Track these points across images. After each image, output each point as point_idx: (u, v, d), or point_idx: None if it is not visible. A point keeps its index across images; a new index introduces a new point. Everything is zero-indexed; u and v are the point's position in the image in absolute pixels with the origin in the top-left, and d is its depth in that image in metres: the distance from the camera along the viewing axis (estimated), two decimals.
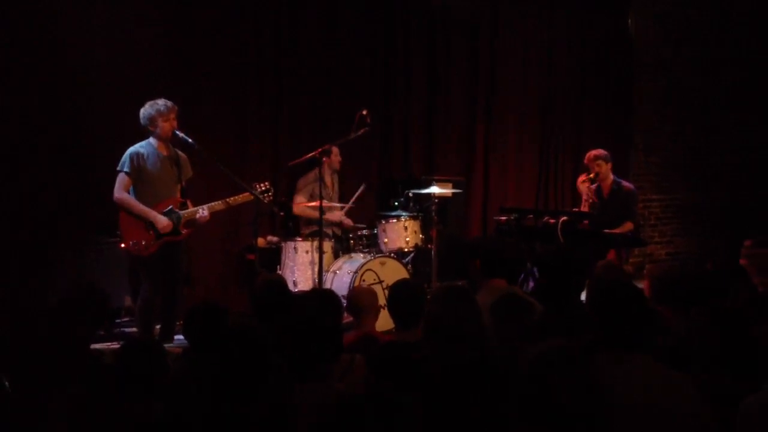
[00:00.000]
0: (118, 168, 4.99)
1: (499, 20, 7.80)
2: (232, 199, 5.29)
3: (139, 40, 5.90)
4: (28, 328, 3.98)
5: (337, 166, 6.44)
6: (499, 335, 3.09)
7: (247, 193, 5.32)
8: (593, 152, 6.46)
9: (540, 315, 3.20)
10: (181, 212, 5.08)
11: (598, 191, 6.40)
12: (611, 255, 5.91)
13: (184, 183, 5.17)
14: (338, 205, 6.44)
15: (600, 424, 2.07)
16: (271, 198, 5.54)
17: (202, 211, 5.13)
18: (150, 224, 4.99)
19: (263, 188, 5.46)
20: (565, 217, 5.91)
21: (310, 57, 6.84)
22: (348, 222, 6.49)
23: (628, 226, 6.21)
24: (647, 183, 8.48)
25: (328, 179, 6.31)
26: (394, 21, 7.29)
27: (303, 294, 4.76)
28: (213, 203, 5.22)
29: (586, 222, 6.05)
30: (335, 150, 6.30)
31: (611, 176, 6.43)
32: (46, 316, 3.75)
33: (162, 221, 5.00)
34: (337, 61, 6.99)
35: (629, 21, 8.37)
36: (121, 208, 4.99)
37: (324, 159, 5.91)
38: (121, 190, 4.97)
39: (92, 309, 3.26)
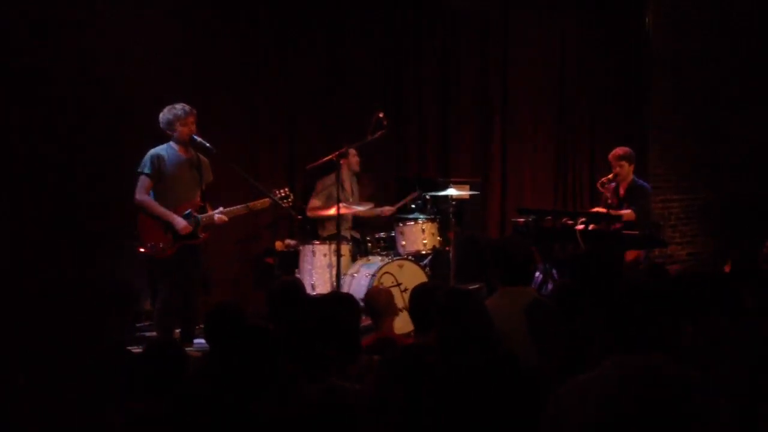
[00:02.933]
0: (139, 170, 5.03)
1: (510, 19, 7.77)
2: (252, 204, 5.32)
3: (155, 47, 5.92)
4: (46, 327, 4.05)
5: (356, 167, 6.45)
6: (535, 340, 3.10)
7: (266, 198, 5.35)
8: (618, 151, 6.28)
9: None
10: (200, 216, 5.12)
11: (616, 190, 6.32)
12: (632, 256, 5.86)
13: (204, 187, 5.20)
14: (360, 208, 6.41)
15: None
16: (291, 204, 5.58)
17: (221, 215, 5.17)
18: (168, 227, 5.03)
19: (283, 194, 5.49)
20: (584, 218, 5.87)
21: (321, 60, 6.86)
22: (388, 210, 6.48)
23: (629, 215, 6.04)
24: (666, 183, 8.40)
25: (347, 182, 6.32)
26: (405, 20, 7.29)
27: (322, 297, 4.78)
28: (232, 207, 5.25)
29: (617, 225, 5.92)
30: (353, 151, 6.30)
31: (631, 176, 6.29)
32: (66, 312, 3.81)
33: (181, 223, 5.03)
34: (348, 64, 6.99)
35: (646, 18, 8.30)
36: (141, 209, 5.03)
37: (342, 161, 5.92)
38: (142, 192, 5.01)
39: (119, 303, 3.30)
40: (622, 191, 6.31)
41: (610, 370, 2.32)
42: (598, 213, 6.20)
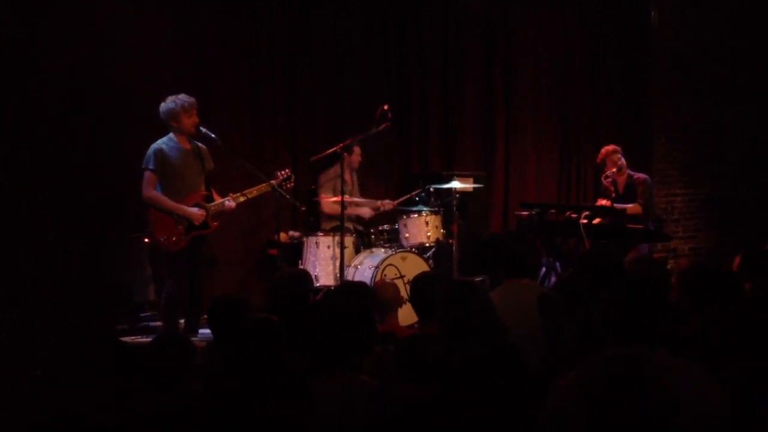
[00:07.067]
0: (143, 166, 5.01)
1: (513, 13, 7.76)
2: (248, 191, 5.31)
3: (154, 34, 5.93)
4: (56, 322, 4.07)
5: (356, 165, 6.46)
6: (545, 333, 3.11)
7: (263, 184, 5.33)
8: (610, 147, 6.47)
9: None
10: (208, 205, 5.11)
11: (614, 186, 6.40)
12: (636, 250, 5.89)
13: (206, 175, 5.19)
14: (361, 200, 6.45)
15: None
16: (293, 184, 5.55)
17: (229, 202, 5.17)
18: (179, 219, 5.01)
19: (284, 175, 5.47)
20: (587, 212, 5.88)
21: (324, 54, 6.85)
22: (387, 205, 6.48)
23: (636, 209, 6.18)
24: (670, 178, 8.41)
25: (347, 176, 6.30)
26: (408, 14, 7.28)
27: (336, 287, 4.77)
28: (236, 194, 5.25)
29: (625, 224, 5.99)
30: (357, 149, 6.33)
31: (626, 170, 6.44)
32: (71, 309, 3.82)
33: (194, 212, 5.03)
34: (351, 59, 6.99)
35: (652, 13, 8.29)
36: (151, 205, 5.01)
37: (345, 155, 5.92)
38: (149, 187, 4.99)
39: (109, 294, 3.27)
40: (621, 186, 6.43)
41: (599, 364, 2.32)
42: (602, 207, 6.23)
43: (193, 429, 2.51)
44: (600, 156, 6.53)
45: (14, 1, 5.53)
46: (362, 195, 6.57)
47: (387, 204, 6.52)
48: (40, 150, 5.59)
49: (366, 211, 6.46)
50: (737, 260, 4.15)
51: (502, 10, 7.69)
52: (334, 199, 6.07)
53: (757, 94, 8.53)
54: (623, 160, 6.39)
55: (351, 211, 6.32)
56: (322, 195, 6.35)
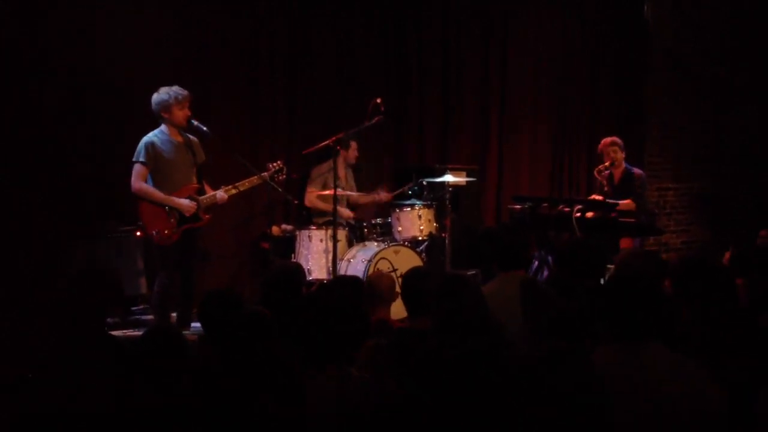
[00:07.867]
0: (134, 158, 5.02)
1: (513, 13, 7.79)
2: (240, 183, 5.32)
3: (154, 34, 5.96)
4: (44, 321, 4.08)
5: (353, 160, 6.47)
6: (529, 325, 3.14)
7: (255, 177, 5.35)
8: (609, 139, 6.47)
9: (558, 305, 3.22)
10: (200, 198, 5.13)
11: (610, 178, 6.43)
12: (626, 244, 5.91)
13: (197, 168, 5.20)
14: (351, 193, 6.44)
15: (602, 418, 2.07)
16: (284, 176, 5.57)
17: (221, 194, 5.20)
18: (171, 212, 5.02)
19: (276, 167, 5.49)
20: (580, 206, 5.90)
21: (324, 54, 6.88)
22: (385, 196, 6.51)
23: (629, 205, 6.19)
24: (663, 172, 8.41)
25: (342, 171, 6.29)
26: (407, 14, 7.31)
27: (328, 281, 4.77)
28: (226, 187, 5.27)
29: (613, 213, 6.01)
30: (354, 144, 6.34)
31: (624, 164, 6.43)
32: (59, 304, 3.82)
33: (185, 203, 5.04)
34: (351, 59, 7.01)
35: (645, 9, 8.31)
36: (141, 198, 5.03)
37: (341, 150, 5.92)
38: (139, 180, 5.00)
39: (105, 292, 3.27)
40: (616, 179, 6.43)
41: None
42: (594, 201, 6.25)
43: (186, 423, 2.50)
44: (599, 147, 6.54)
45: (14, 1, 5.57)
46: (357, 190, 6.56)
47: (384, 196, 6.52)
48: (40, 150, 5.62)
49: (346, 213, 6.37)
50: (727, 255, 4.17)
51: (502, 10, 7.71)
52: (318, 192, 6.08)
53: (757, 94, 8.52)
54: (620, 154, 6.38)
55: (328, 207, 6.31)
56: (309, 188, 6.36)
